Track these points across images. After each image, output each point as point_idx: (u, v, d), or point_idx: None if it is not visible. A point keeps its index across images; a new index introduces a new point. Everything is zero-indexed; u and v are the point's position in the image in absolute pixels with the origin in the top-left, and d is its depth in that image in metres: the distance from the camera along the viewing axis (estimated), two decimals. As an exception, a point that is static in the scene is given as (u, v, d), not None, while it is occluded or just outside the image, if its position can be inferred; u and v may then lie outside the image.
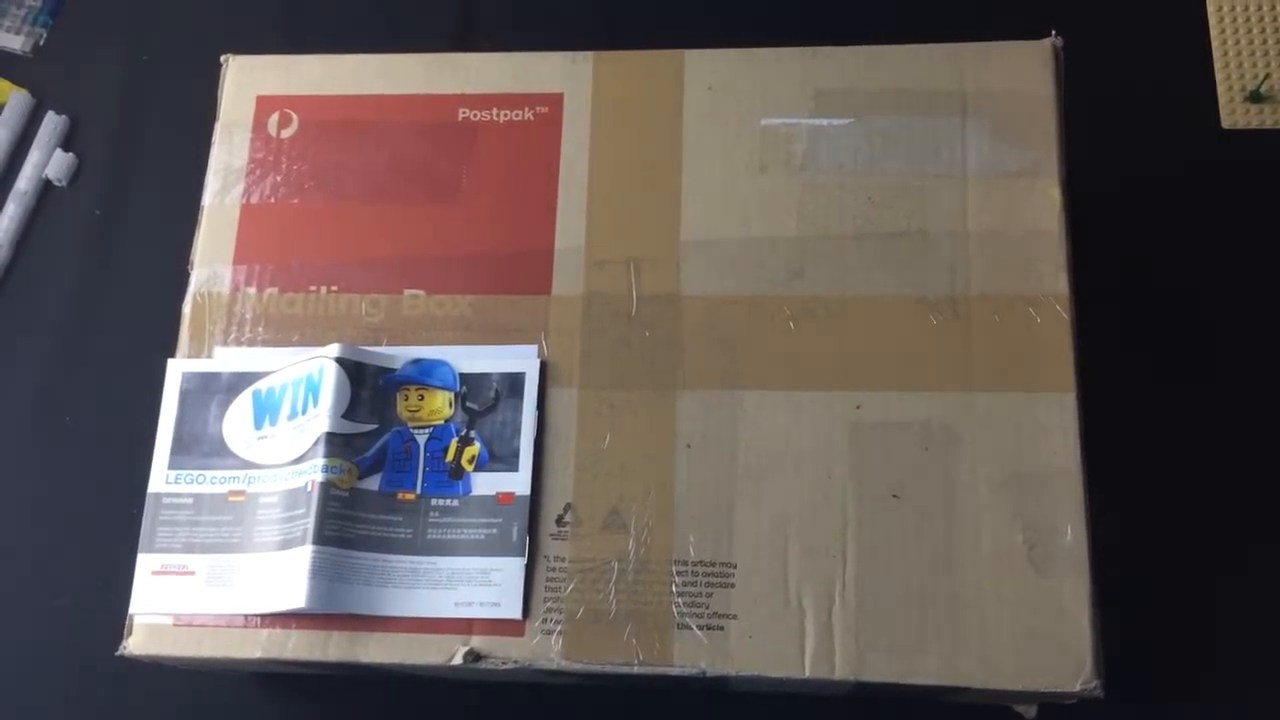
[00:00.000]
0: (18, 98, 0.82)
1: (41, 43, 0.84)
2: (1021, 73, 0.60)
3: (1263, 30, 0.75)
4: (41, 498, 0.72)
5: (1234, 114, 0.74)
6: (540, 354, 0.59)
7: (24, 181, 0.80)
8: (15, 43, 0.84)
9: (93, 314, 0.76)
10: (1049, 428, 0.55)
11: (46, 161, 0.80)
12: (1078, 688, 0.52)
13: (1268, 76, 0.74)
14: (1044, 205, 0.58)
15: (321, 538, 0.55)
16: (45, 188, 0.80)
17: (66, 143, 0.81)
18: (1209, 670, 0.64)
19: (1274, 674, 0.64)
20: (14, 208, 0.79)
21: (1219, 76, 0.75)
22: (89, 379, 0.74)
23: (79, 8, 0.85)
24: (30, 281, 0.78)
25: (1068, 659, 0.52)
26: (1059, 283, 0.57)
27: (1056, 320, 0.57)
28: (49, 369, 0.75)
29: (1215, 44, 0.75)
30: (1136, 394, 0.68)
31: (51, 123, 0.81)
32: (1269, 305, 0.70)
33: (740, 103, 0.62)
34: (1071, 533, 0.54)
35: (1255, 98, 0.73)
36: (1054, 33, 0.61)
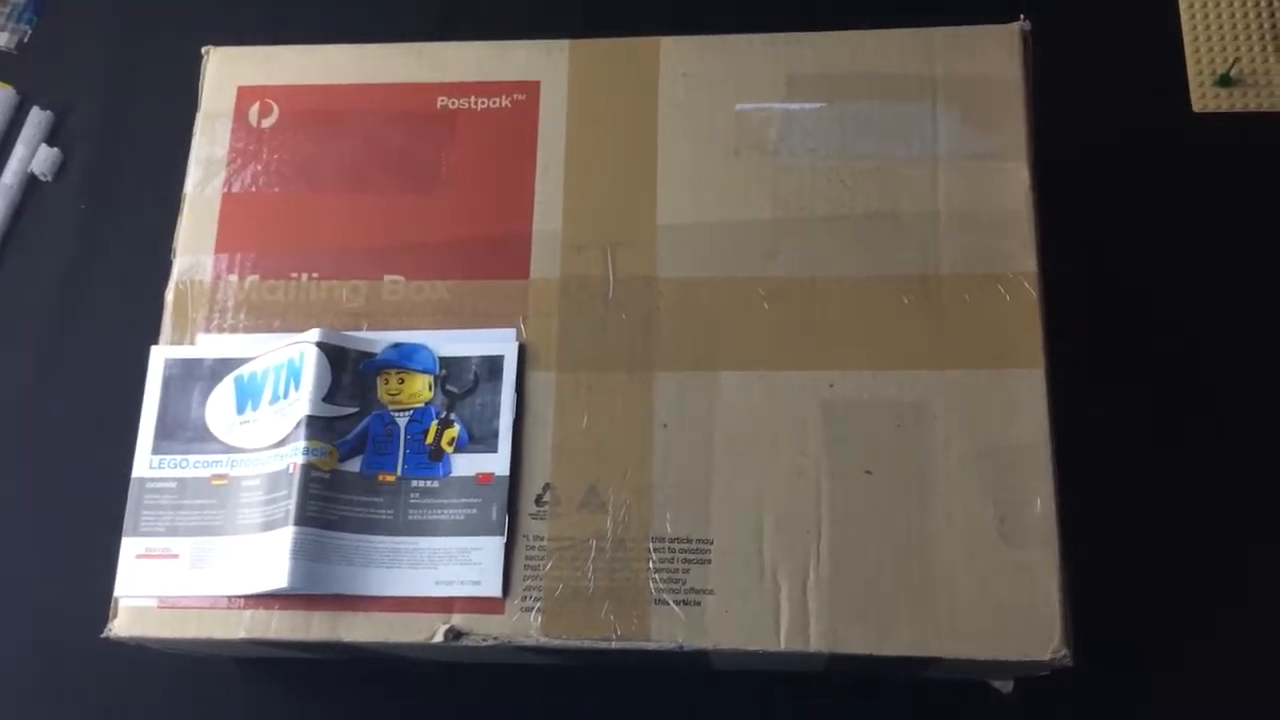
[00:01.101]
0: (2, 94, 0.82)
1: (26, 40, 0.85)
2: (990, 56, 0.61)
3: (1232, 14, 0.76)
4: (28, 485, 0.73)
5: (1204, 98, 0.75)
6: (519, 337, 0.60)
7: (9, 176, 0.80)
8: (0, 39, 0.84)
9: (79, 305, 0.77)
10: (1019, 403, 0.56)
11: (31, 156, 0.81)
12: (1048, 656, 0.53)
13: (1237, 60, 0.75)
14: (1013, 186, 0.59)
15: (303, 519, 0.56)
16: (30, 182, 0.81)
17: (51, 138, 0.82)
18: (1183, 642, 0.65)
19: (1247, 642, 0.65)
20: (0, 202, 0.80)
21: (1189, 60, 0.75)
22: (76, 369, 0.75)
23: (63, 5, 0.86)
24: (17, 275, 0.79)
25: (1038, 629, 0.53)
26: (1028, 261, 0.58)
27: (1025, 298, 0.58)
28: (36, 359, 0.76)
29: (1185, 28, 0.76)
30: (1104, 371, 0.69)
31: (36, 118, 0.82)
32: (1236, 286, 0.71)
33: (715, 89, 0.63)
34: (1041, 506, 0.54)
35: (1225, 81, 0.74)
36: (1022, 17, 0.62)
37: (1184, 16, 0.76)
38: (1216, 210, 0.73)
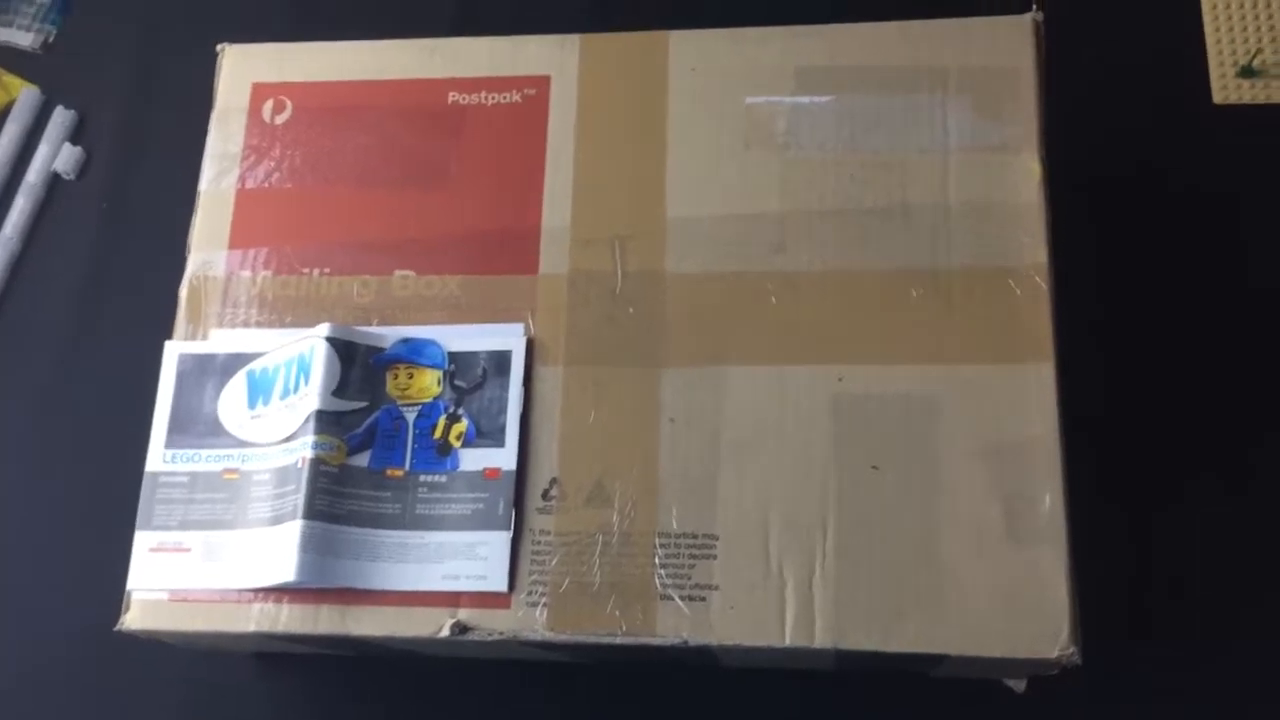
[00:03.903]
0: (27, 93, 0.84)
1: (51, 40, 0.86)
2: (1002, 48, 0.61)
3: (1254, 4, 0.75)
4: (48, 479, 0.74)
5: (1225, 89, 0.74)
6: (527, 332, 0.60)
7: (33, 175, 0.82)
8: (25, 40, 0.86)
9: (100, 302, 0.78)
10: (1028, 398, 0.55)
11: (55, 155, 0.82)
12: (1055, 654, 0.52)
13: (1259, 51, 0.73)
14: (1025, 178, 0.59)
15: (311, 512, 0.56)
16: (54, 181, 0.82)
17: (74, 137, 0.83)
18: (1198, 643, 0.64)
19: (1263, 643, 0.64)
20: (24, 201, 0.81)
21: (1210, 51, 0.74)
22: (96, 365, 0.76)
23: (87, 5, 0.87)
24: (40, 272, 0.80)
25: (1046, 626, 0.52)
26: (1038, 254, 0.57)
27: (1036, 292, 0.57)
28: (57, 356, 0.77)
29: (1207, 18, 0.75)
30: (1117, 365, 0.68)
31: (60, 117, 0.83)
32: (1257, 280, 0.70)
33: (724, 82, 0.62)
34: (1050, 502, 0.54)
35: (1247, 72, 0.73)
36: (1035, 7, 0.61)
37: (1205, 6, 0.75)
38: (1238, 204, 0.72)
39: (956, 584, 0.53)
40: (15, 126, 0.83)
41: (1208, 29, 0.75)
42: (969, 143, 0.60)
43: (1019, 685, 0.63)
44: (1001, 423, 0.55)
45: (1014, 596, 0.53)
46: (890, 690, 0.64)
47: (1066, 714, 0.63)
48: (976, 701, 0.63)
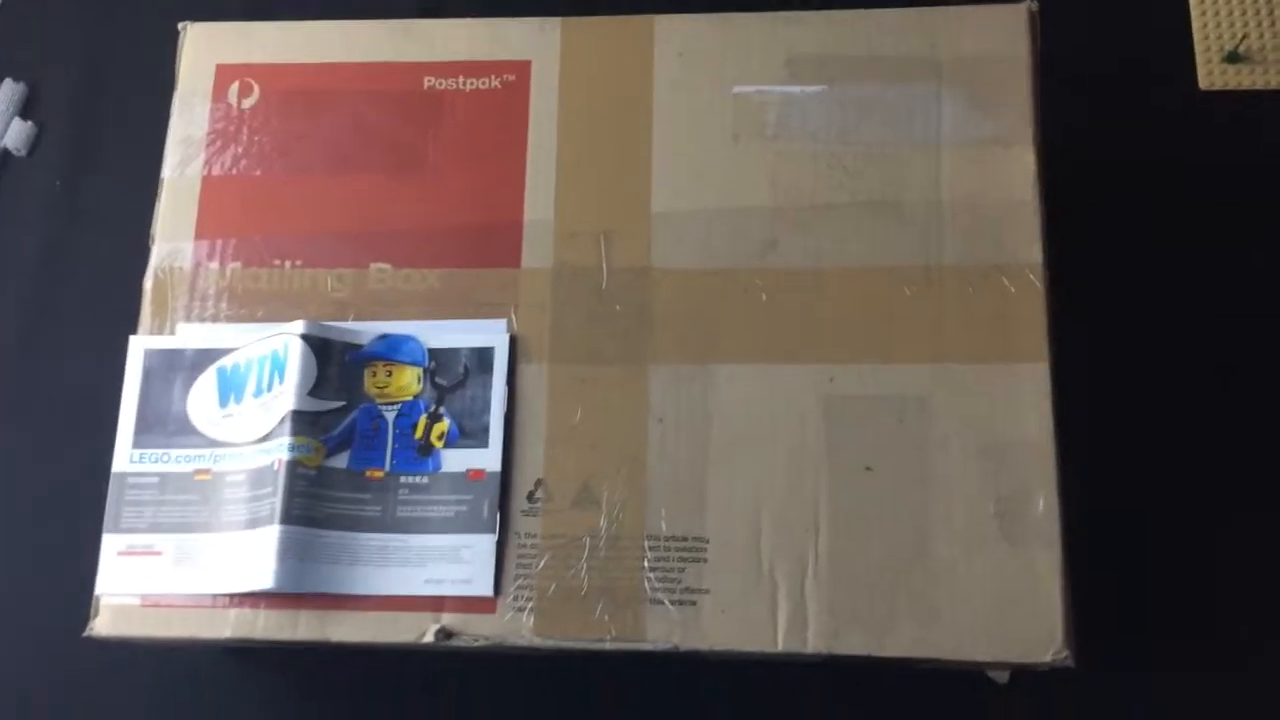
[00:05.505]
0: (-27, 65, 0.80)
1: (-3, 8, 0.82)
2: (997, 37, 0.60)
3: (1241, -10, 0.74)
4: (4, 476, 0.71)
5: (1211, 75, 0.73)
6: (510, 328, 0.58)
7: (-18, 152, 0.78)
8: (-31, 8, 0.82)
9: (54, 288, 0.75)
10: (1021, 398, 0.55)
11: (4, 131, 0.78)
12: (1049, 658, 0.52)
13: (1245, 37, 0.73)
14: (1019, 173, 0.58)
15: (289, 517, 0.55)
16: (4, 158, 0.79)
17: (25, 111, 0.80)
18: (1183, 640, 0.65)
19: (1248, 646, 0.64)
20: (-28, 179, 0.78)
21: (1196, 37, 0.74)
22: (51, 355, 0.73)
23: (36, -30, 0.83)
24: (-11, 255, 0.77)
25: (1039, 629, 0.52)
26: (1033, 252, 0.57)
27: (1030, 290, 0.56)
28: (10, 345, 0.74)
29: (1193, 4, 0.74)
30: (1110, 362, 0.67)
31: (9, 90, 0.79)
32: (1246, 267, 0.70)
33: (712, 70, 0.61)
34: (1043, 503, 0.53)
35: (1233, 58, 0.73)
36: (1029, -6, 0.60)
37: (1191, -8, 0.75)
38: (1225, 191, 0.71)
39: (950, 587, 0.53)
40: (-39, 101, 0.79)
41: (1194, 15, 0.74)
42: (963, 135, 0.58)
43: (1002, 677, 0.63)
44: (995, 423, 0.55)
45: (1008, 599, 0.53)
46: (873, 679, 0.64)
47: (1048, 705, 0.64)
48: (959, 692, 0.63)
